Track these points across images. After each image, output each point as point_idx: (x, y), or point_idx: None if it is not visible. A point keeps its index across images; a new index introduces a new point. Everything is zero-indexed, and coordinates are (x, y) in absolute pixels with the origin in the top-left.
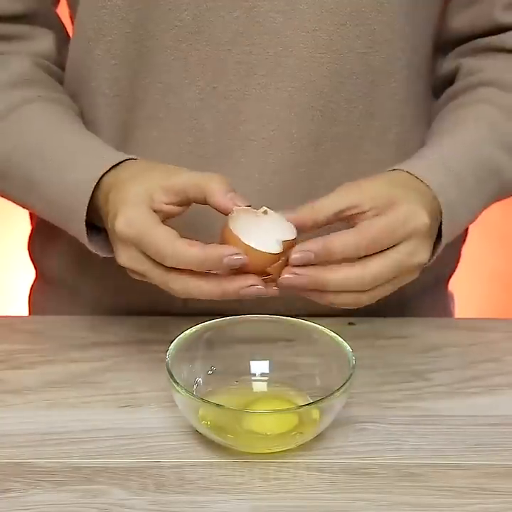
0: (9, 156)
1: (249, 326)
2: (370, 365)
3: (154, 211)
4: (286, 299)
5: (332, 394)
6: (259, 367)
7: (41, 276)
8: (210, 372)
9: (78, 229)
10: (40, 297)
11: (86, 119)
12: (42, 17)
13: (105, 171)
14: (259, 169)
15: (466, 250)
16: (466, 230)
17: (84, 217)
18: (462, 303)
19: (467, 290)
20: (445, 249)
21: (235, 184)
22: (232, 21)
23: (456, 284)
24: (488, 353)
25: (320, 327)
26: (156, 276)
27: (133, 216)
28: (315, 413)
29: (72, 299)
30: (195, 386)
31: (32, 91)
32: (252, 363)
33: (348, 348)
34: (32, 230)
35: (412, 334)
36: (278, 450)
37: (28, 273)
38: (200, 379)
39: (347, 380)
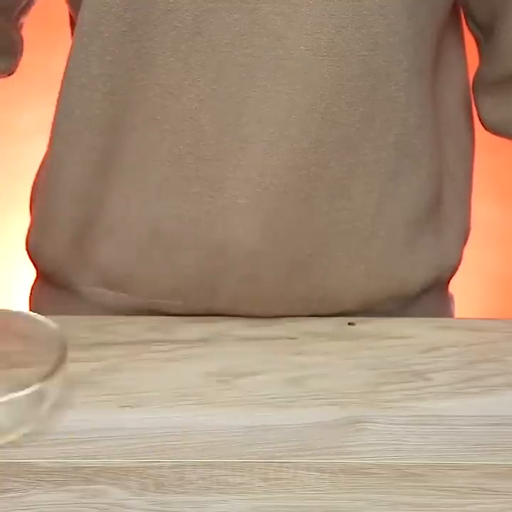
0: None
1: None
2: (370, 365)
3: None
4: (286, 301)
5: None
6: None
7: (41, 275)
8: None
9: None
10: (41, 297)
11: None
12: None
13: None
14: (259, 171)
15: (466, 251)
16: (468, 232)
17: None
18: (462, 303)
19: (467, 291)
20: (447, 251)
21: (235, 186)
22: (233, 23)
23: (455, 285)
24: (488, 353)
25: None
26: None
27: None
28: None
29: (72, 299)
30: None
31: None
32: None
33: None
34: (30, 225)
35: (412, 334)
36: None
37: (28, 273)
38: None
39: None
